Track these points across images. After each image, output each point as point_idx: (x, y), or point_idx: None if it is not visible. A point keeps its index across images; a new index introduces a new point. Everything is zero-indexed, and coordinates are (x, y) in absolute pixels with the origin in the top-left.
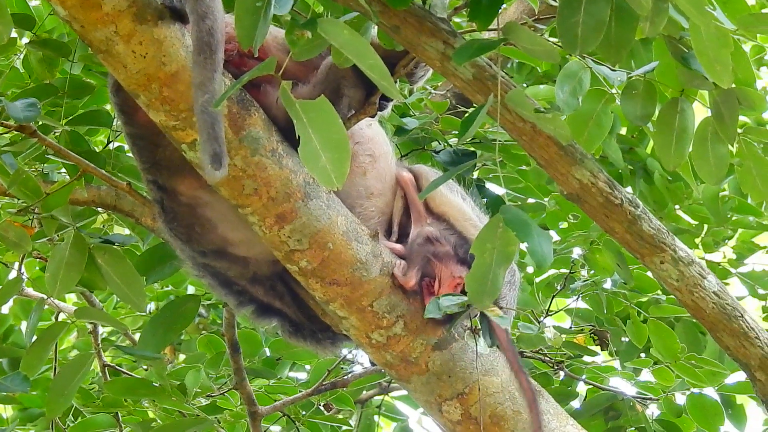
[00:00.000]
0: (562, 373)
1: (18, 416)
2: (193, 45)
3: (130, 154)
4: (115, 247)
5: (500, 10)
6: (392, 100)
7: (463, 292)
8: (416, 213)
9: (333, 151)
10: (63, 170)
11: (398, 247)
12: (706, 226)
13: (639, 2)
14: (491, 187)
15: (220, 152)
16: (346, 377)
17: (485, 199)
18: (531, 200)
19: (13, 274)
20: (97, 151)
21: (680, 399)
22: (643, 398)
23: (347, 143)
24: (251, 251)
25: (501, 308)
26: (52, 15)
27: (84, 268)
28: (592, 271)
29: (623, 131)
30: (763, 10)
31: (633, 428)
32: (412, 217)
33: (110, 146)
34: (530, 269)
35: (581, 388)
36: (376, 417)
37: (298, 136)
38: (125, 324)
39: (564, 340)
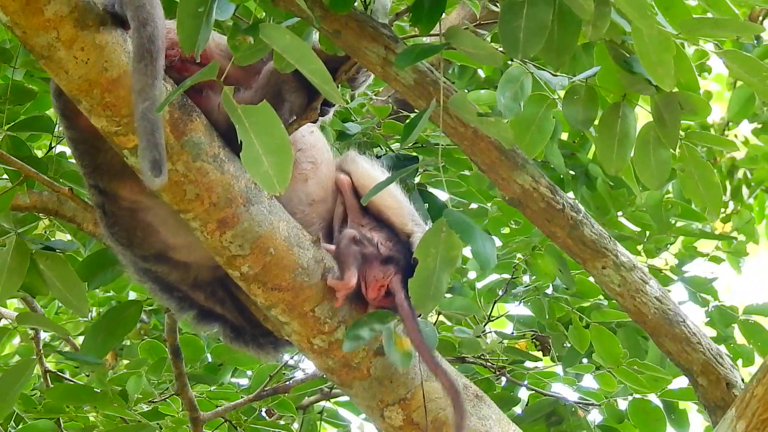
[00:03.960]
0: (504, 379)
1: None
2: (133, 52)
3: (72, 160)
4: (56, 252)
5: (442, 16)
6: (334, 105)
7: (388, 293)
8: (352, 214)
9: (275, 156)
10: (5, 176)
11: (332, 247)
12: (648, 233)
13: (581, 6)
14: (433, 191)
15: (160, 159)
16: (288, 383)
17: (427, 204)
18: (473, 205)
19: None
20: (39, 156)
21: (622, 404)
22: (585, 404)
23: (289, 148)
24: (192, 256)
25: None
26: None
27: (26, 274)
28: (534, 277)
29: (564, 136)
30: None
31: None
32: (348, 218)
33: (52, 152)
34: (472, 274)
35: (523, 393)
36: (318, 422)
37: (240, 141)
38: (67, 329)
39: (506, 345)
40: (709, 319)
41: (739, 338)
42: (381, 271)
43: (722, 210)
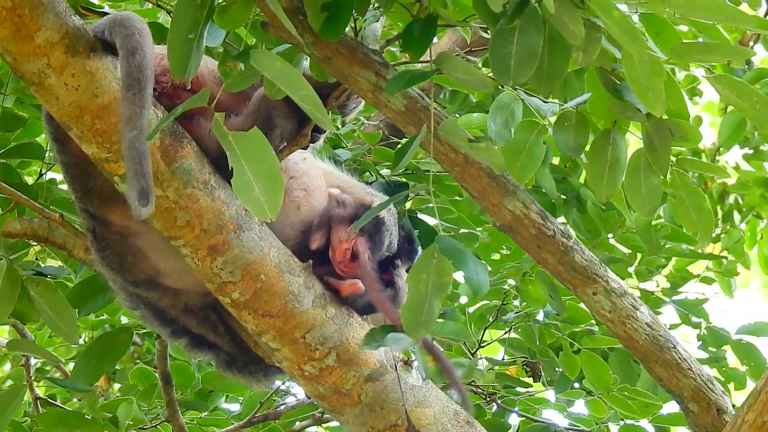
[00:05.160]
0: (494, 405)
1: None
2: (122, 80)
3: (63, 187)
4: (47, 279)
5: (432, 42)
6: (324, 131)
7: (354, 256)
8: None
9: (266, 182)
10: None
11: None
12: (639, 255)
13: (572, 32)
14: (424, 217)
15: (148, 188)
16: (279, 409)
17: (417, 230)
18: (463, 231)
19: None
20: (29, 183)
21: (613, 430)
22: (576, 430)
23: (280, 174)
24: (182, 282)
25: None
26: None
27: (17, 300)
28: (525, 303)
29: (556, 160)
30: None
31: None
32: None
33: (43, 179)
34: (464, 299)
35: (514, 419)
36: None
37: (231, 168)
38: (58, 355)
39: (496, 371)
40: (701, 342)
41: (732, 361)
42: (345, 233)
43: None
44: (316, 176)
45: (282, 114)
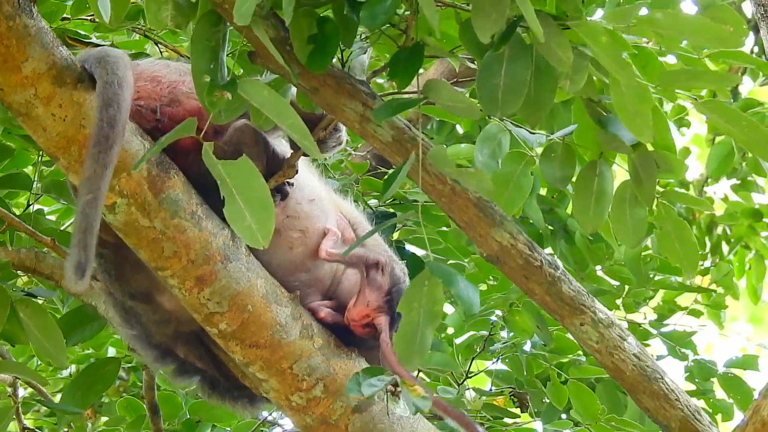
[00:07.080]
0: None
1: None
2: (91, 134)
3: (51, 217)
4: (36, 301)
5: (420, 72)
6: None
7: (371, 326)
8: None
9: (257, 210)
10: None
11: (320, 311)
12: (627, 287)
13: (560, 59)
14: (411, 248)
15: (85, 263)
16: None
17: (405, 261)
18: (451, 262)
19: None
20: (17, 214)
21: None
22: None
23: (271, 202)
24: (176, 303)
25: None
26: None
27: (5, 321)
28: (512, 333)
29: (543, 191)
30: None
31: None
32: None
33: (30, 209)
34: (451, 330)
35: None
36: None
37: (223, 197)
38: (44, 377)
39: (484, 402)
40: (688, 373)
41: (719, 393)
42: (375, 302)
43: (700, 264)
44: (320, 220)
45: (250, 153)
